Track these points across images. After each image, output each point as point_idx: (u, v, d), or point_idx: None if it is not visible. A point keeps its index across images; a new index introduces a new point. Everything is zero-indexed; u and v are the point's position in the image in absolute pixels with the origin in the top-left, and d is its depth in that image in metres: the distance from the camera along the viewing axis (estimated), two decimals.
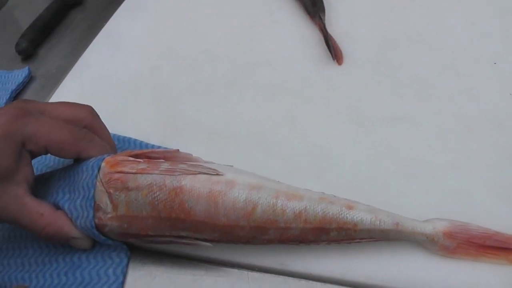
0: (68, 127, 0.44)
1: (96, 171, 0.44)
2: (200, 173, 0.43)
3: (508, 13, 0.64)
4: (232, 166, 0.47)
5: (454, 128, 0.53)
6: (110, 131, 0.54)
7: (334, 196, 0.45)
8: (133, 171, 0.43)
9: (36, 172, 0.52)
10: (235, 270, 0.46)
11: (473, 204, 0.47)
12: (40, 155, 0.45)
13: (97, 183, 0.43)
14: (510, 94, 0.55)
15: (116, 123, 0.57)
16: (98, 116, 0.49)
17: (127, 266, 0.47)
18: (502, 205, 0.46)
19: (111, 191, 0.43)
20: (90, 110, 0.48)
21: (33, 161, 0.45)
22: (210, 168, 0.44)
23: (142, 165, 0.44)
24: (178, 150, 0.48)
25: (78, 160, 0.47)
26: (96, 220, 0.43)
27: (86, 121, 0.47)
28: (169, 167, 0.43)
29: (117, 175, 0.43)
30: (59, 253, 0.47)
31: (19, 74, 0.71)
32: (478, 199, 0.47)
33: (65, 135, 0.44)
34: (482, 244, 0.43)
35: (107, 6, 0.82)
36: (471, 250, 0.43)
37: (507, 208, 0.46)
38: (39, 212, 0.43)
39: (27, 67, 0.72)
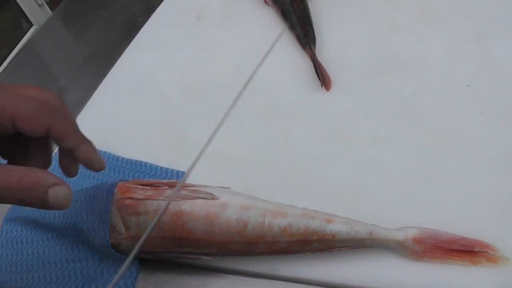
0: (36, 99, 0.39)
1: (110, 198, 0.49)
2: (198, 198, 0.48)
3: (482, 38, 0.66)
4: (229, 187, 0.51)
5: (429, 144, 0.56)
6: (123, 155, 0.59)
7: (316, 211, 0.49)
8: (141, 197, 0.48)
9: None
10: (232, 276, 0.51)
11: (444, 212, 0.50)
12: (6, 133, 0.38)
13: (112, 208, 0.48)
14: (481, 113, 0.58)
15: (130, 148, 0.63)
16: (64, 102, 0.42)
17: (136, 278, 0.51)
18: (471, 212, 0.50)
19: (123, 215, 0.48)
20: (56, 93, 0.41)
21: None
22: (207, 193, 0.49)
23: (149, 192, 0.49)
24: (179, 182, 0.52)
25: (93, 187, 0.52)
26: (112, 240, 0.48)
27: (52, 102, 0.40)
28: (172, 193, 0.48)
29: (128, 201, 0.48)
30: (77, 267, 0.52)
31: None
32: (450, 207, 0.51)
33: (34, 107, 0.38)
34: (448, 248, 0.46)
35: (122, 40, 0.85)
36: (438, 254, 0.46)
37: (475, 214, 0.50)
38: (9, 169, 0.36)
39: None
